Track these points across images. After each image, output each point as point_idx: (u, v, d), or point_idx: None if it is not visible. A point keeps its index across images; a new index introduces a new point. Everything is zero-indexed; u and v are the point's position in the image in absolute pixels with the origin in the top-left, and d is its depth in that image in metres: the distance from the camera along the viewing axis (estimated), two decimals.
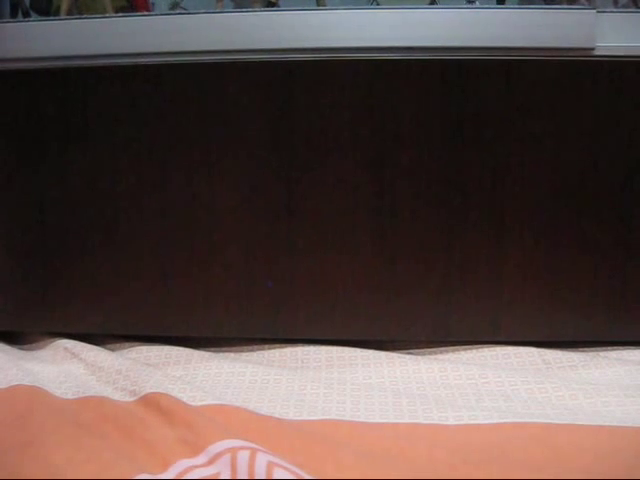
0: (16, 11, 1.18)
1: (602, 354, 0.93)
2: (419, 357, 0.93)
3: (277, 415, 0.78)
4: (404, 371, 0.90)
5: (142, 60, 0.87)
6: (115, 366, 0.89)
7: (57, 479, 0.64)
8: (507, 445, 0.71)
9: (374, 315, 0.95)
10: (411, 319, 0.95)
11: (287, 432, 0.74)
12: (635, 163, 0.88)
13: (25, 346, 1.02)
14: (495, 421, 0.75)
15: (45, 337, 1.01)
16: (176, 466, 0.68)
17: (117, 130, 0.91)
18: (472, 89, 0.87)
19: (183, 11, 1.21)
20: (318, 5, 1.19)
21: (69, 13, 1.14)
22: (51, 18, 1.09)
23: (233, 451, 0.66)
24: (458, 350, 0.95)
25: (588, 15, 0.83)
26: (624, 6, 1.11)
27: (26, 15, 1.18)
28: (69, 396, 0.84)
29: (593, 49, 0.84)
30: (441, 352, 0.96)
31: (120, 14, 1.06)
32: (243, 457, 0.65)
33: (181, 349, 0.96)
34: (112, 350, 0.97)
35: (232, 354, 0.97)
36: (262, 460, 0.64)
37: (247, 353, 0.98)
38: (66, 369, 0.91)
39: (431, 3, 1.14)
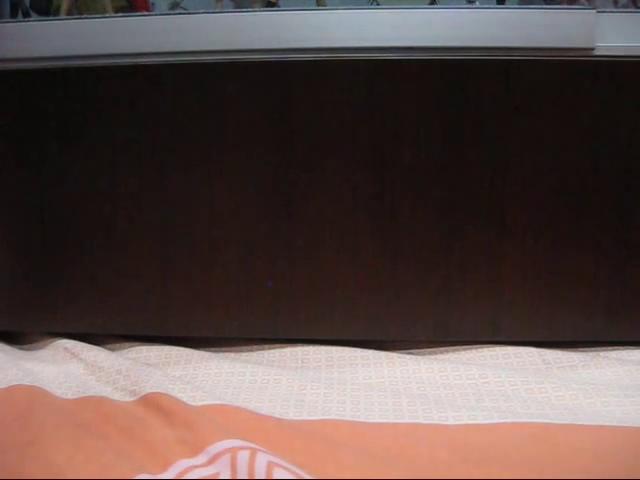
0: (16, 11, 1.19)
1: (602, 354, 0.93)
2: (419, 357, 0.93)
3: (277, 415, 0.78)
4: (404, 371, 0.90)
5: (142, 60, 0.87)
6: (115, 366, 0.89)
7: (57, 479, 0.64)
8: (507, 445, 0.71)
9: (374, 315, 0.94)
10: (411, 319, 0.95)
11: (287, 432, 0.74)
12: (635, 163, 0.88)
13: (25, 346, 1.02)
14: (495, 421, 0.75)
15: (45, 337, 1.01)
16: (176, 466, 0.68)
17: (117, 130, 0.91)
18: (472, 89, 0.87)
19: (183, 11, 1.21)
20: (318, 5, 1.19)
21: (69, 13, 1.14)
22: (51, 18, 1.09)
23: (233, 451, 0.67)
24: (458, 350, 0.95)
25: (588, 15, 0.83)
26: (624, 6, 1.11)
27: (26, 15, 1.18)
28: (69, 396, 0.84)
29: (593, 49, 0.84)
30: (441, 352, 0.96)
31: (120, 14, 1.06)
32: (243, 457, 0.65)
33: (181, 349, 0.96)
34: (112, 350, 0.97)
35: (232, 354, 0.97)
36: (262, 460, 0.64)
37: (247, 353, 0.98)
38: (66, 369, 0.91)
39: (431, 3, 1.14)
